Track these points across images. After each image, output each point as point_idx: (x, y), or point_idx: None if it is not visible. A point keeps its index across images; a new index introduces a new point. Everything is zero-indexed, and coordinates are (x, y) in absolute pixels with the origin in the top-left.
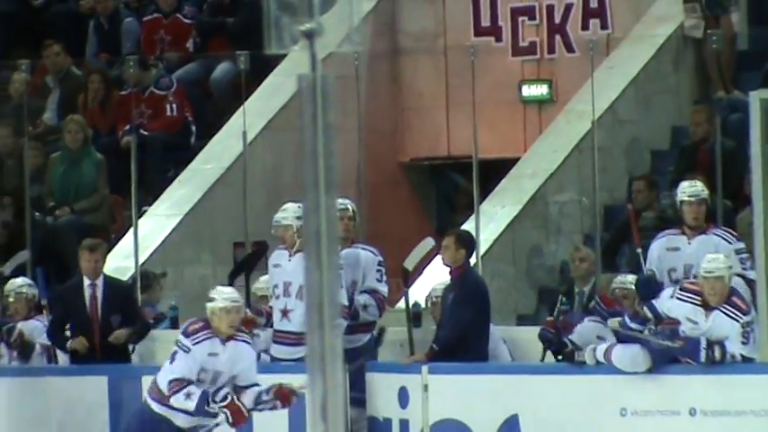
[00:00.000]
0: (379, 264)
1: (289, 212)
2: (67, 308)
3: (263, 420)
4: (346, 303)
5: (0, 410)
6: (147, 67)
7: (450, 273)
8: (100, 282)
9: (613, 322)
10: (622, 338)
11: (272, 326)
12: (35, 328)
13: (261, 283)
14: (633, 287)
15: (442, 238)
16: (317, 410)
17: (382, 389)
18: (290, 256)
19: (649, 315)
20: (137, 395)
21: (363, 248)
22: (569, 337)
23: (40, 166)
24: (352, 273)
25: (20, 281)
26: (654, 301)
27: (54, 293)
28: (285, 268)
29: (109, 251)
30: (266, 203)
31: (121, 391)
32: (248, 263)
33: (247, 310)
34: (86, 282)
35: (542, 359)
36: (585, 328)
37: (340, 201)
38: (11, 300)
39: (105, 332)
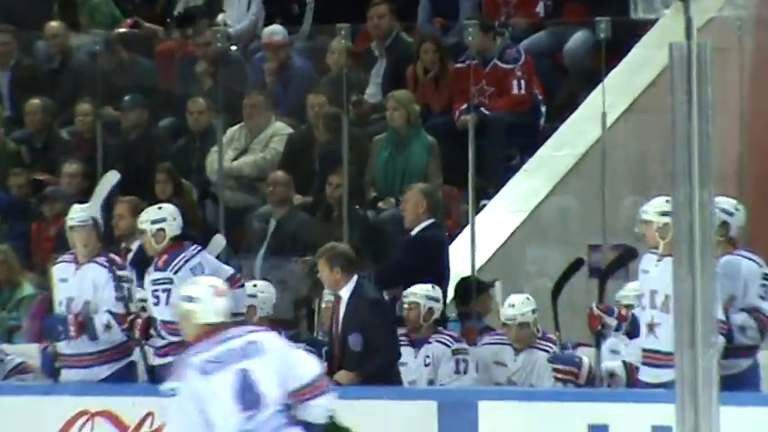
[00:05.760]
0: (764, 277)
1: (652, 207)
2: None
3: None
4: (723, 318)
5: None
6: (492, 33)
7: None
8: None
9: None
10: None
11: (628, 334)
12: None
13: (627, 290)
14: None
15: None
16: None
17: None
18: (657, 260)
19: None
20: (471, 422)
21: (745, 257)
22: None
23: (362, 149)
24: (730, 285)
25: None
26: None
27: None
28: (651, 274)
29: None
30: (629, 199)
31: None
32: (606, 270)
33: (593, 305)
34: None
35: None
36: None
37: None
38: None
39: None
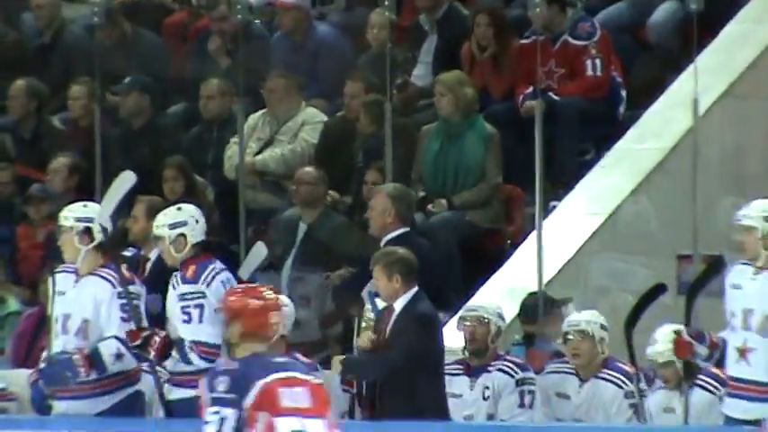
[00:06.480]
0: None
1: (754, 210)
2: None
3: None
4: None
5: None
6: (562, 3)
7: None
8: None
9: None
10: None
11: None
12: None
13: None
14: None
15: None
16: None
17: None
18: (754, 273)
19: None
20: None
21: None
22: None
23: (409, 141)
24: None
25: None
26: None
27: None
28: (746, 290)
29: (502, 262)
30: (726, 200)
31: None
32: (693, 286)
33: (682, 329)
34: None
35: None
36: None
37: None
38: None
39: None
